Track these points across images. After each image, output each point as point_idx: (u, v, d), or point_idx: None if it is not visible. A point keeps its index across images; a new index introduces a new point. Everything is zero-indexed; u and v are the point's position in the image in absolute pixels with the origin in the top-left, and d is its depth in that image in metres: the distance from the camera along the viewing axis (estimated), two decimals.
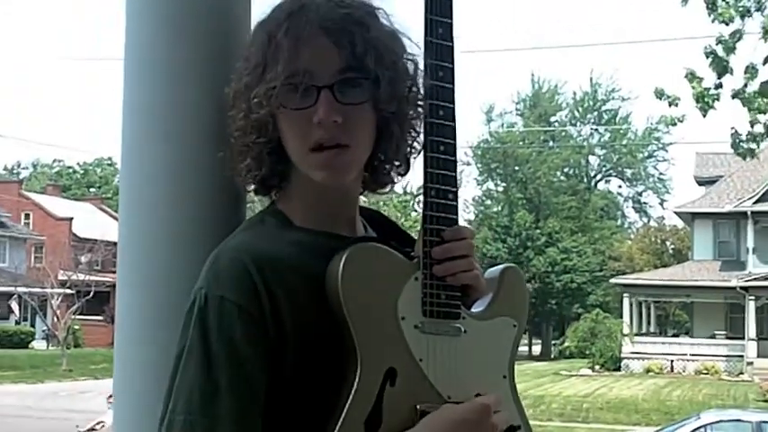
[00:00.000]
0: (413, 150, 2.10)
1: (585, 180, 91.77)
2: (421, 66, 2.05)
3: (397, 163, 2.11)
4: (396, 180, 2.16)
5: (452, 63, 2.04)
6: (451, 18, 2.04)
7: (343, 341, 1.88)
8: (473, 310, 2.06)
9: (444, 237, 1.99)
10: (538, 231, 79.25)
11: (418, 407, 1.90)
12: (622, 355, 53.82)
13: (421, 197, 2.06)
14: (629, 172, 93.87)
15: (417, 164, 2.11)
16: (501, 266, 2.16)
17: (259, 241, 1.95)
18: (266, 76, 1.92)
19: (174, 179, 2.21)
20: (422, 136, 2.07)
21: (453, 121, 2.04)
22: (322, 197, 2.03)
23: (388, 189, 2.20)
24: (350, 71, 1.93)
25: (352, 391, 1.84)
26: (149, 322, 2.18)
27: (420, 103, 2.05)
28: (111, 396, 22.72)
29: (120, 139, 2.28)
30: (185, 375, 1.83)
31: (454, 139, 2.04)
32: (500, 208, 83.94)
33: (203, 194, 2.21)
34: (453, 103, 2.04)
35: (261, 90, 1.92)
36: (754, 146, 16.92)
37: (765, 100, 16.08)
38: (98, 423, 21.28)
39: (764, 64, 16.07)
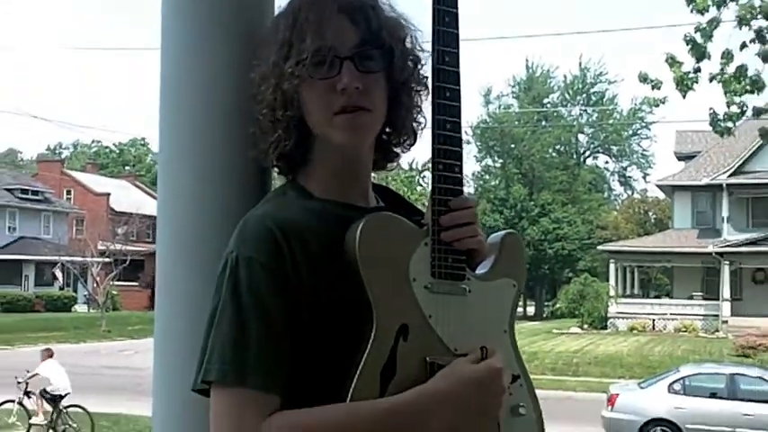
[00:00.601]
0: (418, 124, 2.14)
1: (575, 156, 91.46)
2: (425, 48, 2.09)
3: (404, 137, 2.15)
4: (403, 152, 2.20)
5: (457, 49, 2.05)
6: (456, 8, 2.06)
7: (359, 300, 1.90)
8: (477, 271, 2.07)
9: (451, 206, 2.01)
10: (532, 203, 79.07)
11: (428, 359, 1.92)
12: (608, 315, 53.78)
13: (425, 173, 2.09)
14: (615, 149, 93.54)
15: (423, 142, 2.14)
16: (502, 232, 2.17)
17: (281, 210, 1.98)
18: (293, 51, 1.97)
19: (206, 157, 2.24)
20: (426, 111, 2.10)
21: (458, 101, 2.05)
22: (339, 170, 2.06)
23: (395, 164, 2.24)
24: (366, 45, 1.99)
25: (369, 345, 1.86)
26: (186, 282, 2.21)
27: (425, 81, 2.10)
28: (47, 350, 22.62)
29: (159, 121, 2.30)
30: (219, 329, 1.86)
31: (459, 117, 2.06)
32: (497, 182, 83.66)
33: (234, 170, 2.24)
34: (458, 85, 2.06)
35: (291, 63, 1.97)
36: (730, 124, 16.89)
37: (741, 83, 16.06)
38: (33, 375, 21.35)
39: (741, 50, 16.03)
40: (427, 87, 2.11)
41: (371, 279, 1.90)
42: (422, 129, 2.16)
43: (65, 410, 21.56)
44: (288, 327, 1.87)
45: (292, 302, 1.88)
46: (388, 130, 2.13)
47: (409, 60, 2.08)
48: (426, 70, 2.09)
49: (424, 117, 2.13)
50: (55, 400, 21.55)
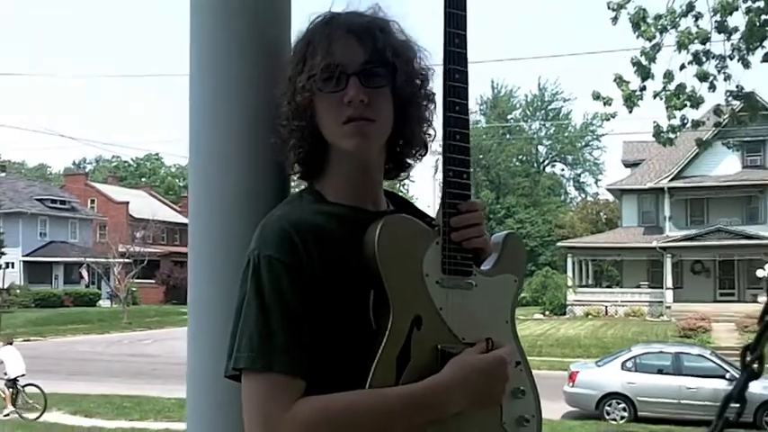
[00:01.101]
0: (428, 136, 2.11)
1: (535, 165, 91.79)
2: (434, 67, 2.08)
3: (416, 147, 2.12)
4: (415, 162, 2.17)
5: (466, 67, 2.04)
6: (465, 31, 2.04)
7: (377, 293, 1.89)
8: (482, 268, 2.06)
9: (460, 209, 2.00)
10: (498, 206, 79.51)
11: (439, 346, 1.91)
12: (567, 303, 53.93)
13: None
14: (570, 158, 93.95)
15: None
16: (504, 233, 2.17)
17: (297, 212, 1.96)
18: (305, 67, 1.96)
19: (232, 166, 2.22)
20: (435, 123, 2.09)
21: (467, 114, 2.04)
22: (352, 177, 2.04)
23: (407, 174, 2.22)
24: (371, 63, 1.96)
25: (386, 334, 1.85)
26: (215, 279, 2.19)
27: (432, 96, 2.08)
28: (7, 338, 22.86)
29: (189, 133, 2.28)
30: (246, 321, 1.85)
31: (467, 129, 2.04)
32: None
33: (256, 178, 2.22)
34: (467, 99, 2.04)
35: (303, 77, 1.96)
36: (672, 135, 17.04)
37: (680, 99, 16.19)
38: None
39: (680, 70, 16.18)
40: (435, 103, 2.09)
41: (389, 274, 1.88)
42: (432, 140, 2.13)
43: (22, 389, 21.82)
44: (307, 317, 1.85)
45: (309, 295, 1.86)
46: (400, 141, 2.10)
47: (416, 78, 2.05)
48: (436, 87, 2.06)
49: (435, 130, 2.11)
50: (13, 382, 21.79)
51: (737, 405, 1.45)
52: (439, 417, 1.86)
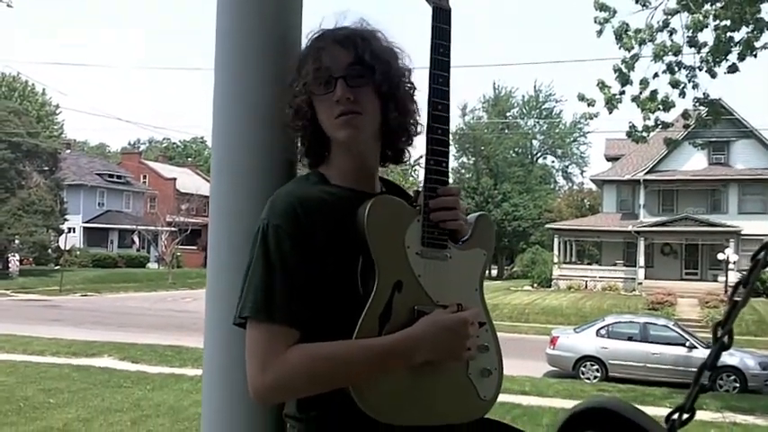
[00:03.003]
0: (412, 126, 2.16)
1: (529, 156, 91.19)
2: (413, 67, 2.14)
3: (402, 137, 2.17)
4: (405, 149, 2.22)
5: (448, 72, 2.09)
6: (449, 42, 2.09)
7: (365, 261, 1.95)
8: (459, 243, 2.11)
9: (438, 192, 2.06)
10: (496, 191, 78.96)
11: (416, 308, 1.97)
12: (552, 277, 53.85)
13: (416, 167, 2.11)
14: (559, 151, 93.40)
15: (418, 142, 2.20)
16: (476, 214, 2.21)
17: (302, 190, 2.03)
18: (301, 74, 2.04)
19: (248, 151, 2.28)
20: (420, 119, 2.15)
21: (448, 112, 2.09)
22: (350, 164, 2.11)
23: (406, 160, 2.25)
24: (355, 65, 2.02)
25: (372, 295, 1.92)
26: (230, 242, 2.25)
27: (412, 93, 2.14)
28: None
29: (212, 124, 2.34)
30: (253, 278, 1.92)
31: (448, 125, 2.10)
32: (470, 175, 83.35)
33: (269, 162, 2.28)
34: (449, 100, 2.09)
35: (300, 83, 2.04)
36: (645, 135, 17.08)
37: (654, 103, 16.23)
38: None
39: (654, 78, 16.21)
40: (415, 99, 2.14)
41: (375, 244, 1.95)
42: (417, 131, 2.18)
43: None
44: (305, 278, 1.91)
45: (308, 260, 1.92)
46: (387, 131, 2.14)
47: (395, 77, 2.09)
48: (423, 88, 2.11)
49: (419, 123, 2.17)
50: None
51: (710, 373, 1.50)
52: (410, 363, 1.92)
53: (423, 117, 2.14)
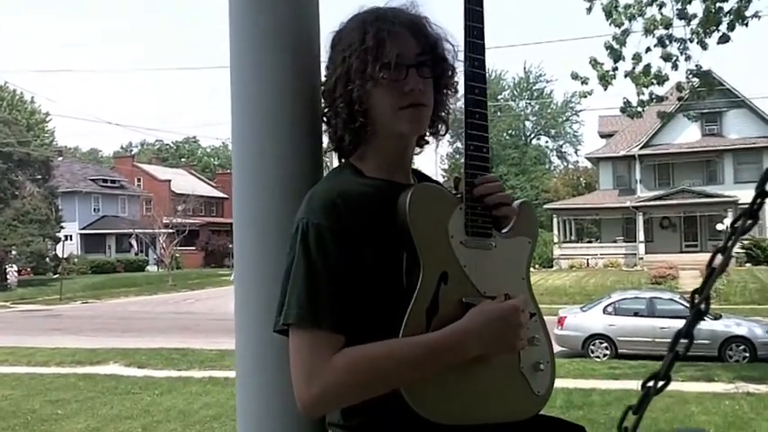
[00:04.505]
0: (449, 114, 2.12)
1: (523, 138, 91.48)
2: (458, 56, 2.06)
3: (441, 128, 2.13)
4: (439, 138, 2.16)
5: (483, 55, 2.01)
6: (483, 24, 2.01)
7: (407, 256, 1.88)
8: (502, 231, 2.04)
9: (477, 182, 1.99)
10: (492, 174, 79.35)
11: (464, 299, 1.90)
12: (553, 257, 54.05)
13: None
14: (552, 131, 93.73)
15: None
16: (519, 201, 2.13)
17: (340, 185, 1.95)
18: (373, 57, 1.93)
19: (271, 145, 2.21)
20: (452, 105, 2.10)
21: (485, 96, 2.02)
22: (391, 155, 2.05)
23: (423, 148, 2.18)
24: (424, 55, 1.97)
25: (417, 288, 1.84)
26: (259, 244, 2.19)
27: (456, 84, 2.07)
28: None
29: (231, 117, 2.27)
30: (295, 282, 1.83)
31: (486, 109, 2.02)
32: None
33: (293, 155, 2.22)
34: (485, 84, 2.02)
35: (373, 67, 1.93)
36: (639, 109, 17.10)
37: (647, 78, 16.24)
38: None
39: (646, 53, 16.23)
40: (457, 91, 2.08)
41: (418, 235, 1.87)
42: (451, 121, 2.14)
43: None
44: (350, 278, 1.83)
45: (351, 258, 1.84)
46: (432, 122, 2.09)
47: (449, 70, 2.04)
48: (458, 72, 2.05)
49: (452, 113, 2.12)
50: None
51: (686, 341, 1.52)
52: (462, 358, 1.85)
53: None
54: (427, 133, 2.13)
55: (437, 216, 1.93)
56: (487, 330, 1.86)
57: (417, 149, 2.16)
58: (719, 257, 1.48)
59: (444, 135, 2.16)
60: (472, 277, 1.94)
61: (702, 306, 1.49)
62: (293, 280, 1.85)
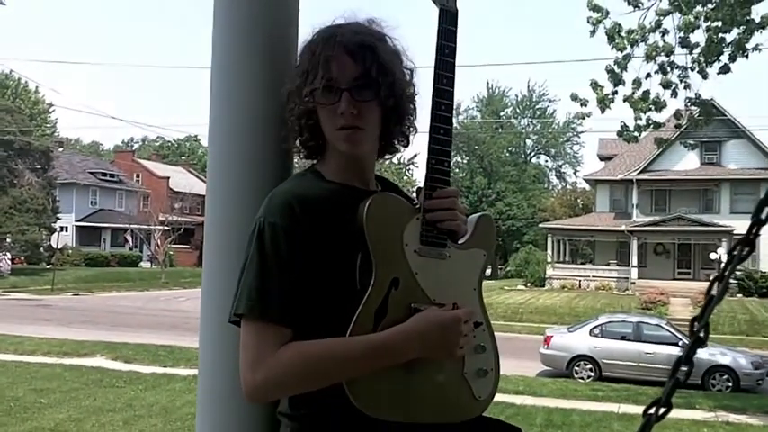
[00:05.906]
0: (410, 131, 2.19)
1: (523, 156, 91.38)
2: (415, 74, 2.15)
3: (401, 139, 2.20)
4: (400, 150, 2.25)
5: (453, 73, 2.09)
6: (455, 43, 2.10)
7: (363, 257, 1.96)
8: (458, 242, 2.12)
9: (434, 195, 2.06)
10: (490, 191, 79.31)
11: (412, 305, 1.98)
12: (546, 276, 53.95)
13: (410, 166, 2.11)
14: (552, 151, 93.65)
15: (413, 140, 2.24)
16: (478, 214, 2.21)
17: (299, 187, 2.04)
18: (308, 80, 2.03)
19: (244, 148, 2.30)
20: (416, 120, 2.18)
21: (451, 113, 2.10)
22: (346, 163, 2.12)
23: (392, 156, 2.30)
24: (361, 79, 2.02)
25: (368, 291, 1.93)
26: (226, 239, 2.28)
27: (414, 100, 2.15)
28: None
29: (209, 120, 2.35)
30: (248, 275, 1.94)
31: (450, 125, 2.10)
32: (464, 174, 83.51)
33: (265, 158, 2.30)
34: (452, 101, 2.10)
35: (307, 90, 2.03)
36: (637, 134, 17.16)
37: (646, 103, 16.30)
38: None
39: (646, 79, 16.29)
40: (415, 105, 2.16)
41: (374, 241, 1.96)
42: (413, 135, 2.22)
43: None
44: (302, 276, 1.93)
45: (304, 257, 1.93)
46: (387, 135, 2.17)
47: (399, 89, 2.09)
48: (426, 87, 2.12)
49: (415, 127, 2.19)
50: None
51: (686, 367, 1.53)
52: (401, 359, 1.94)
53: (423, 116, 2.16)
54: (399, 142, 2.21)
55: (393, 224, 2.00)
56: (428, 335, 1.94)
57: (387, 156, 2.26)
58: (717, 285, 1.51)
59: (405, 148, 2.24)
60: (423, 284, 2.02)
61: (701, 334, 1.51)
62: (246, 274, 1.95)
